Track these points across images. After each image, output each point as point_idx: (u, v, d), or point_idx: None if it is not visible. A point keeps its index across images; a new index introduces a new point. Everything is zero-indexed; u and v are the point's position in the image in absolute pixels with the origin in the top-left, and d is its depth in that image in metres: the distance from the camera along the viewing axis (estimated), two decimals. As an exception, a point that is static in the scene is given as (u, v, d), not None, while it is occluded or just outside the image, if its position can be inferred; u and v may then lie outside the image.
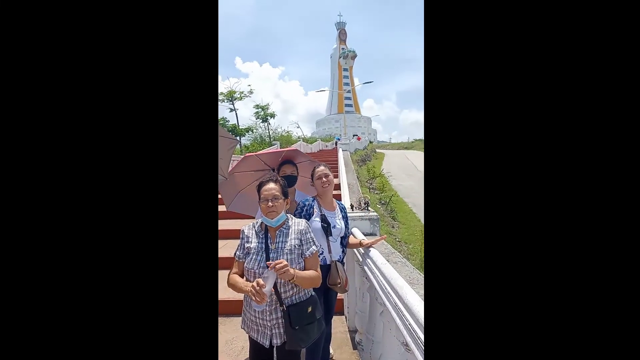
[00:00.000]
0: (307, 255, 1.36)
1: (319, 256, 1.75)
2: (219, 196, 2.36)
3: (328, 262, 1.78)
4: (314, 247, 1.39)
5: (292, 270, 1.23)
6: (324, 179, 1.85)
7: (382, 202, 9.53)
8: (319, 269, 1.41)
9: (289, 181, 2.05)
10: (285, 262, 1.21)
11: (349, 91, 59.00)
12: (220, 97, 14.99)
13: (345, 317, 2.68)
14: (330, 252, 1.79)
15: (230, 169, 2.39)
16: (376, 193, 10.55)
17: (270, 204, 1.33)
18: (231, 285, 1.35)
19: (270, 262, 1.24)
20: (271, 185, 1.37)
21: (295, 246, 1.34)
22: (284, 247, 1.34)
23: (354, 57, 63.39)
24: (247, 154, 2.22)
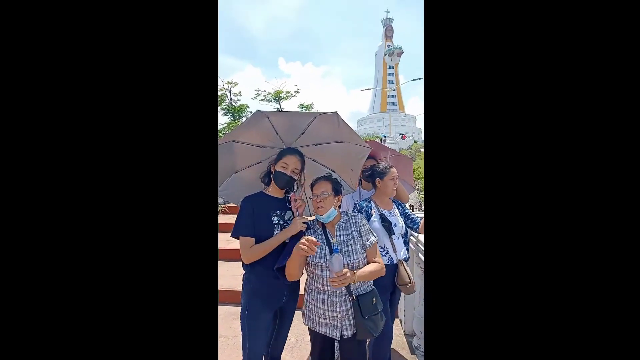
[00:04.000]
0: (368, 246, 1.39)
1: (384, 255, 1.69)
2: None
3: (395, 262, 1.71)
4: (373, 237, 1.43)
5: (351, 274, 1.26)
6: (396, 180, 1.80)
7: (430, 204, 9.07)
8: (380, 260, 1.43)
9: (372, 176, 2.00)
10: (345, 272, 1.24)
11: (393, 89, 57.44)
12: (267, 97, 15.45)
13: (400, 321, 2.57)
14: (395, 251, 1.72)
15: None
16: (423, 194, 10.08)
17: (318, 199, 1.37)
18: (292, 273, 1.35)
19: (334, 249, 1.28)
20: (321, 182, 1.41)
21: (355, 238, 1.38)
22: (346, 239, 1.38)
23: (400, 53, 61.52)
24: None
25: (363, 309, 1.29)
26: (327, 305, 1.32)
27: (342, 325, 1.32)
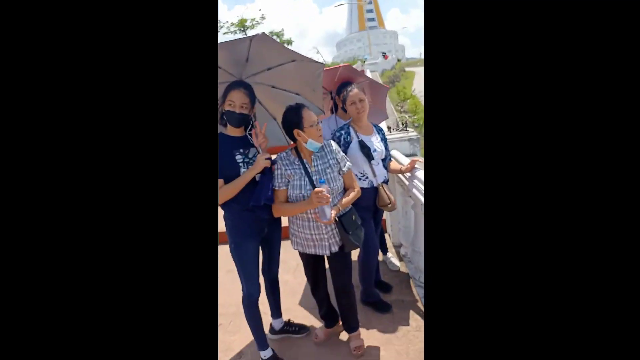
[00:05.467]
0: (345, 171, 1.50)
1: (364, 180, 1.78)
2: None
3: (375, 185, 1.81)
4: (348, 162, 1.52)
5: (335, 211, 1.39)
6: (358, 104, 1.75)
7: (415, 125, 9.10)
8: (356, 183, 1.55)
9: None
10: (328, 192, 1.33)
11: (370, 2, 51.88)
12: (232, 29, 13.96)
13: (389, 234, 2.85)
14: (375, 175, 1.80)
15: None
16: (409, 116, 10.03)
17: (319, 127, 1.41)
18: (283, 213, 1.47)
19: (320, 188, 1.33)
20: (308, 110, 1.42)
21: (333, 165, 1.46)
22: (324, 168, 1.44)
23: (373, -44, 53.85)
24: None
25: (346, 226, 1.43)
26: (313, 230, 1.45)
27: (330, 243, 1.47)
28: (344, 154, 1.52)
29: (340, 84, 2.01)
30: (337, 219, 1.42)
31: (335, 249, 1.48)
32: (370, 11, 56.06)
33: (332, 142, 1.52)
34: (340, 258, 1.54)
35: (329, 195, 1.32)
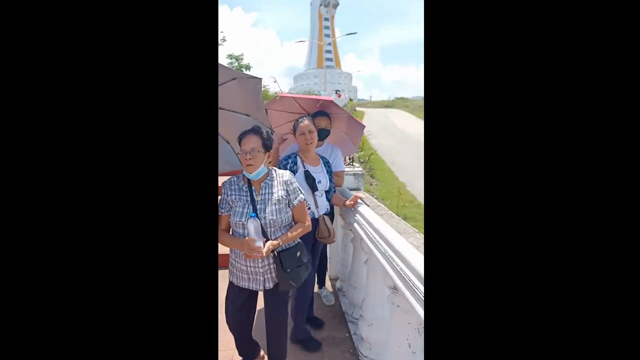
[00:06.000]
0: (296, 205, 1.40)
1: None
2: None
3: (316, 217, 1.80)
4: (301, 195, 1.42)
5: (274, 244, 1.31)
6: (307, 135, 1.78)
7: (361, 160, 9.62)
8: (307, 217, 1.46)
9: (322, 135, 1.94)
10: (259, 248, 1.26)
11: (329, 44, 55.90)
12: None
13: (327, 267, 2.82)
14: (317, 207, 1.80)
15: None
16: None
17: (248, 157, 1.31)
18: (220, 242, 1.36)
19: (252, 237, 1.27)
20: (251, 137, 1.33)
21: (282, 197, 1.37)
22: (271, 198, 1.36)
23: (335, 5, 59.16)
24: (283, 94, 2.06)
25: (284, 263, 1.33)
26: (250, 262, 1.34)
27: (264, 279, 1.37)
28: (297, 186, 1.43)
29: (317, 112, 2.02)
30: (275, 254, 1.34)
31: (269, 285, 1.38)
32: (329, 52, 60.16)
33: (286, 172, 1.45)
34: (273, 296, 1.43)
35: (262, 251, 1.25)
